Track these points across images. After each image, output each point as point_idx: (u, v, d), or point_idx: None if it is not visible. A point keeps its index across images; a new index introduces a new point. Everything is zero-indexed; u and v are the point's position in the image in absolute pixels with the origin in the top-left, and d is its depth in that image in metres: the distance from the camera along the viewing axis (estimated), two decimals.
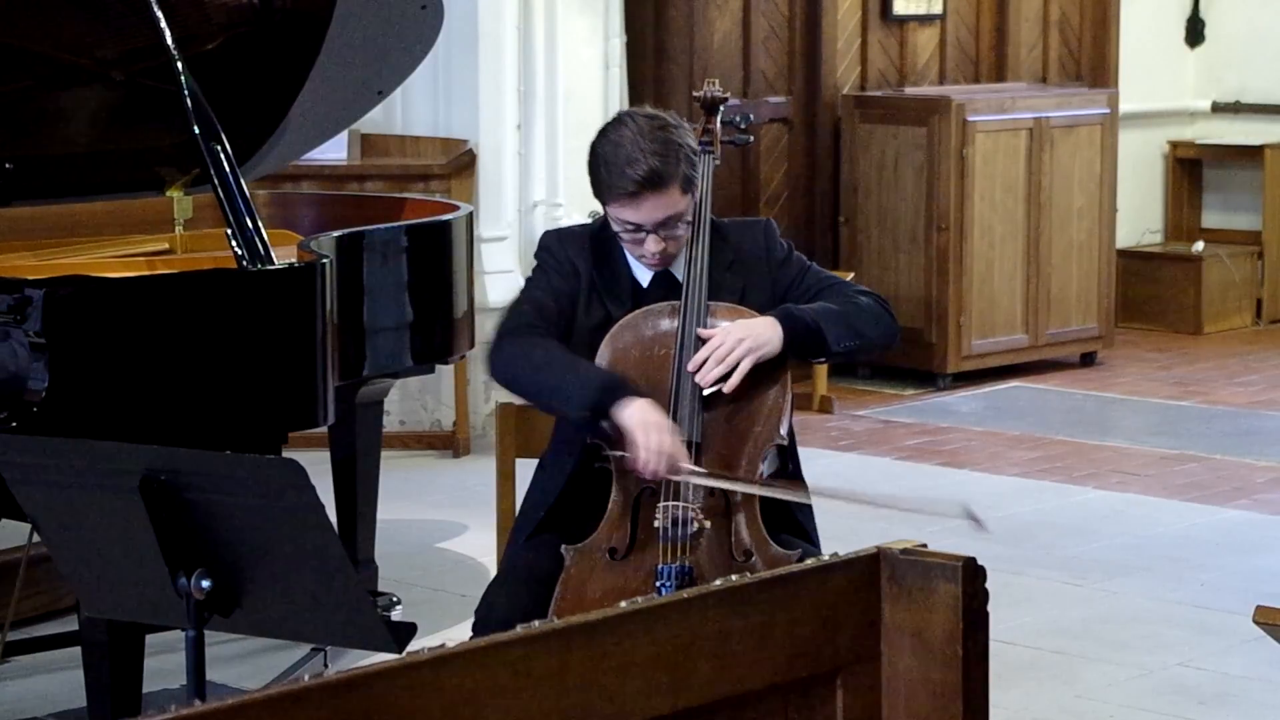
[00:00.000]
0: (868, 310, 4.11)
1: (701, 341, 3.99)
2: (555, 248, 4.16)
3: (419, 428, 8.11)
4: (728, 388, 3.96)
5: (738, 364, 3.96)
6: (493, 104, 8.13)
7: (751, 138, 4.39)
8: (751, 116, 4.48)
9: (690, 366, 3.98)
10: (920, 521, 6.79)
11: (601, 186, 4.05)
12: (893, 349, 4.25)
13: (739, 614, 2.54)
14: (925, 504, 3.84)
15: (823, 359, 4.45)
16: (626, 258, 4.14)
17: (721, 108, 4.26)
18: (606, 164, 4.02)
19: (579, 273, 4.11)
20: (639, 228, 4.03)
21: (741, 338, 3.97)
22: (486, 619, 3.96)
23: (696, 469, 3.89)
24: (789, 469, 4.14)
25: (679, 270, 4.12)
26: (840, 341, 4.05)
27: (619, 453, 3.89)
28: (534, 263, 4.20)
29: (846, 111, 9.34)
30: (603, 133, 4.10)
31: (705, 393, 3.96)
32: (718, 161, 4.20)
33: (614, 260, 4.14)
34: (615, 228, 4.07)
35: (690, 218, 4.06)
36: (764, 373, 4.00)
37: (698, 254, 4.05)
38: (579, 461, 4.05)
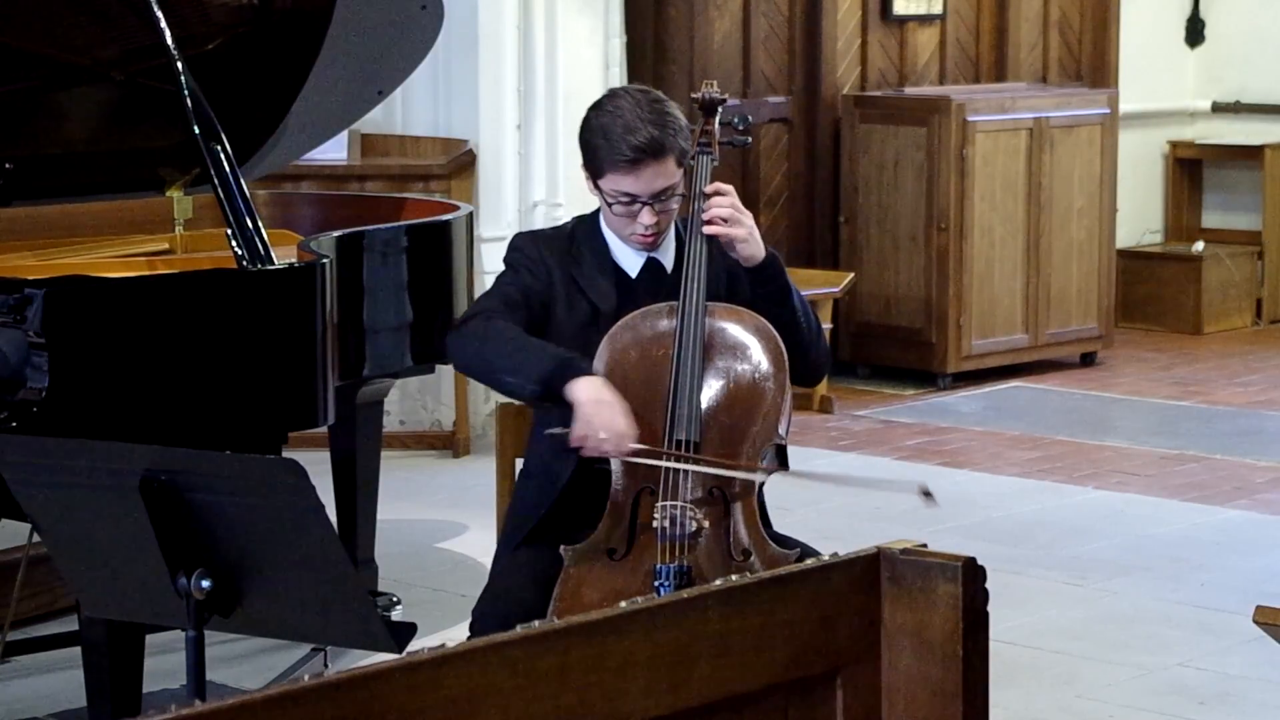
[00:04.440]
0: (824, 347, 4.22)
1: (701, 333, 3.99)
2: (527, 247, 4.16)
3: (419, 428, 8.11)
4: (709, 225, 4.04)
5: (733, 225, 4.03)
6: (493, 104, 8.13)
7: (750, 139, 4.39)
8: (750, 117, 4.48)
9: (710, 204, 4.04)
10: (920, 521, 6.82)
11: (599, 157, 4.04)
12: (804, 383, 4.30)
13: (739, 614, 2.54)
14: (883, 482, 3.86)
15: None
16: (609, 250, 4.14)
17: (720, 109, 4.27)
18: (605, 133, 4.02)
19: (551, 271, 4.11)
20: (634, 199, 4.03)
21: (748, 224, 4.06)
22: (484, 620, 3.95)
23: (641, 447, 3.89)
24: (788, 468, 4.14)
25: (667, 259, 4.13)
26: (797, 318, 4.08)
27: (563, 430, 3.88)
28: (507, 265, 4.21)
29: (846, 111, 9.34)
30: (597, 106, 4.11)
31: (705, 228, 4.04)
32: (716, 163, 4.20)
33: (595, 254, 4.14)
34: (609, 201, 4.06)
35: (683, 191, 4.08)
36: (762, 372, 4.00)
37: (696, 253, 4.05)
38: (575, 468, 4.04)
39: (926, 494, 3.90)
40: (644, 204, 4.04)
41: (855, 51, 9.56)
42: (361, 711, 2.23)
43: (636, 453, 3.88)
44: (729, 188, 4.11)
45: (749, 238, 4.06)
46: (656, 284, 4.10)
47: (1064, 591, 6.21)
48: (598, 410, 3.86)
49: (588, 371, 3.92)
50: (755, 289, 4.09)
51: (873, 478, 3.98)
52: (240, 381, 4.52)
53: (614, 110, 4.04)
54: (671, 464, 3.91)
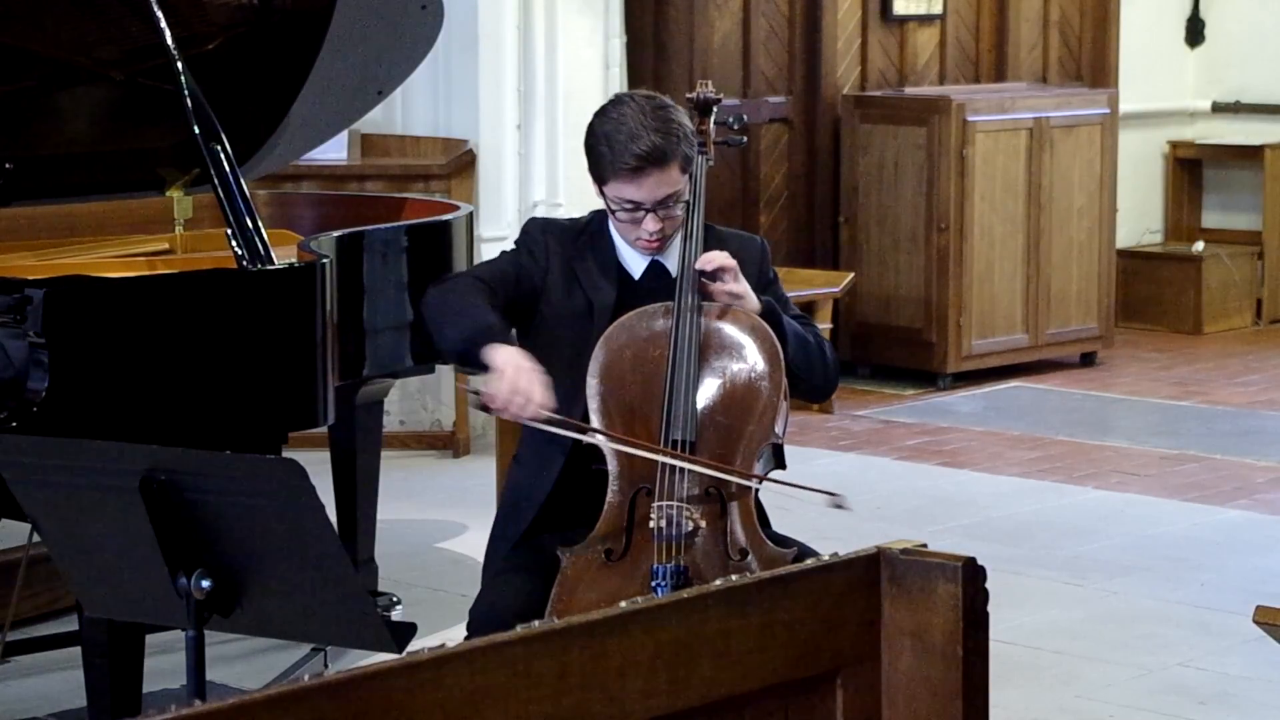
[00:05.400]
0: (830, 361, 4.20)
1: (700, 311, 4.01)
2: (535, 233, 4.20)
3: (419, 428, 8.11)
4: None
5: (730, 285, 4.02)
6: (493, 104, 8.13)
7: (745, 138, 4.40)
8: (745, 117, 4.49)
9: (700, 261, 4.02)
10: (919, 521, 6.81)
11: (603, 164, 4.05)
12: (815, 402, 4.30)
13: (739, 614, 2.54)
14: (805, 483, 3.89)
15: None
16: (616, 249, 4.15)
17: (715, 109, 4.27)
18: (609, 141, 4.03)
19: (550, 259, 4.13)
20: (638, 206, 4.04)
21: (742, 285, 4.04)
22: (480, 622, 3.95)
23: (552, 415, 3.90)
24: (785, 467, 4.14)
25: (671, 262, 4.12)
26: (793, 364, 4.06)
27: (477, 390, 3.91)
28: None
29: (846, 111, 9.34)
30: (601, 112, 4.12)
31: (696, 266, 4.01)
32: (711, 162, 4.20)
33: (601, 251, 4.15)
34: (613, 208, 4.07)
35: (687, 196, 4.07)
36: (758, 372, 4.00)
37: (692, 255, 4.05)
38: (567, 460, 4.04)
39: (838, 505, 3.93)
40: (648, 211, 4.04)
41: (855, 51, 9.56)
42: (361, 711, 2.23)
43: (550, 420, 3.89)
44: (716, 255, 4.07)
45: (737, 302, 4.04)
46: (659, 286, 4.10)
47: (1064, 591, 6.21)
48: (516, 374, 3.88)
49: (511, 343, 3.95)
50: None
51: (795, 483, 3.98)
52: (240, 381, 4.52)
53: (618, 118, 4.05)
54: (575, 435, 3.92)
